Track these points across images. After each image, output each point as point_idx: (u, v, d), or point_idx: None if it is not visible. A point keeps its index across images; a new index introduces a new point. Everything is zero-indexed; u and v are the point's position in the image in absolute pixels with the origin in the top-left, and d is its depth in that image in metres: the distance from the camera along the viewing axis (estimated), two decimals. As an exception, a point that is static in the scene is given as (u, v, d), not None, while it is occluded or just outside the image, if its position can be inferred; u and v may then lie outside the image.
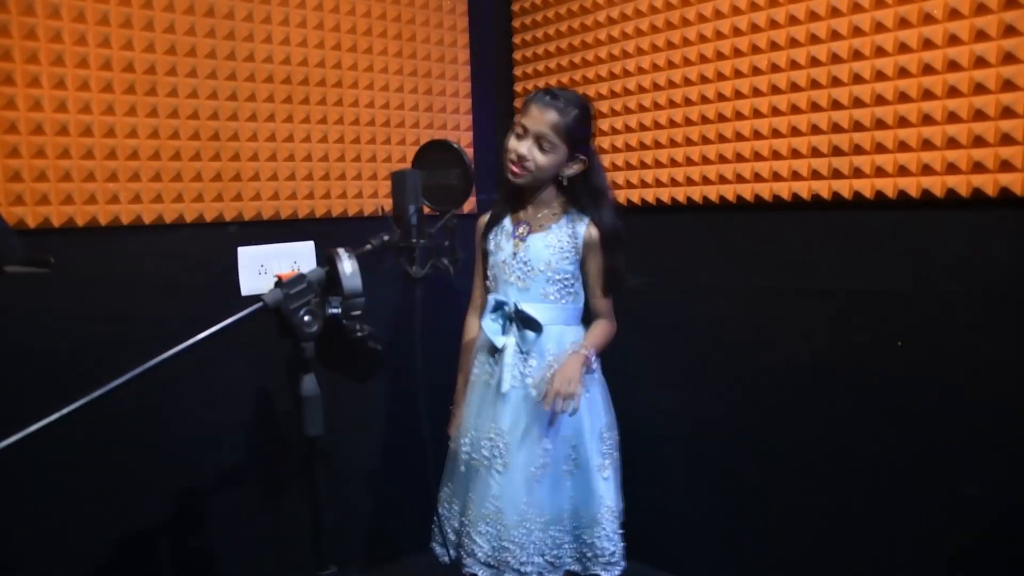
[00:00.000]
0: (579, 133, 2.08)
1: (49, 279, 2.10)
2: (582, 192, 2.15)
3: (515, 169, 2.09)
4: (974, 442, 2.12)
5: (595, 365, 2.12)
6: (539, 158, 2.06)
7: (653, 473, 2.39)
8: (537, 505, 2.09)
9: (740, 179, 2.53)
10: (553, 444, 2.12)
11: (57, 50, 2.18)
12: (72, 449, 2.22)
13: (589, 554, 2.13)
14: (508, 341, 2.13)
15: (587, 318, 2.24)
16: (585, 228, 2.13)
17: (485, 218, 2.29)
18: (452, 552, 2.22)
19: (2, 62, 2.10)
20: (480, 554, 2.09)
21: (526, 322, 2.11)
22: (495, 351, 2.16)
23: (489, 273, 2.25)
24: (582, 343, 2.13)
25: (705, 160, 2.62)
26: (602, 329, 2.19)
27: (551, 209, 2.18)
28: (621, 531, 2.17)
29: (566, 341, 2.15)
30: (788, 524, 2.52)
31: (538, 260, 2.13)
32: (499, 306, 2.14)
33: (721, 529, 2.72)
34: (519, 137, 2.08)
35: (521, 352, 2.14)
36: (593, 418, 2.17)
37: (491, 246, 2.24)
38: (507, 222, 2.23)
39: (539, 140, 2.05)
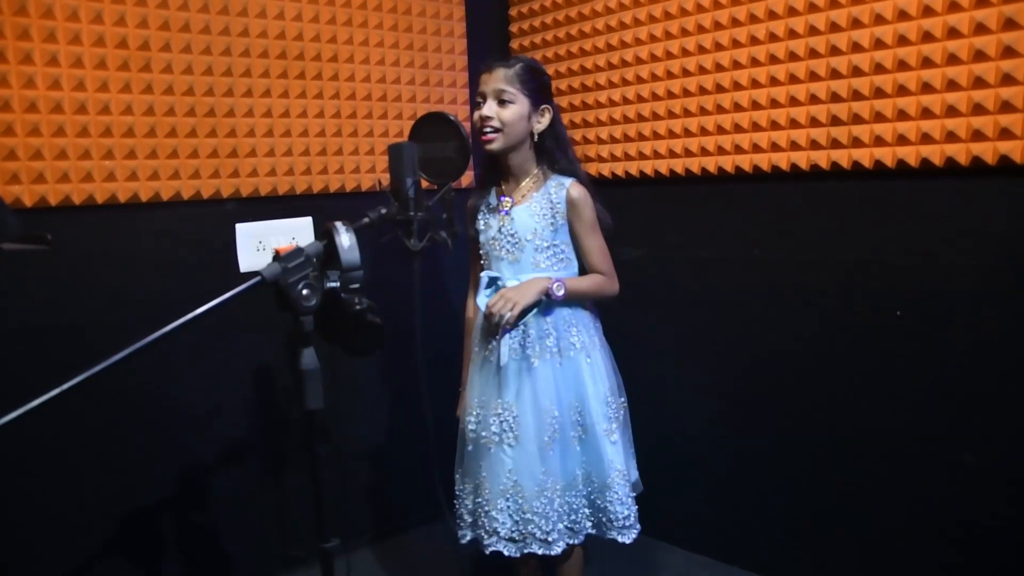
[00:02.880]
0: (534, 81, 2.13)
1: (47, 257, 2.10)
2: (552, 147, 2.18)
3: (486, 134, 2.11)
4: (975, 411, 2.13)
5: (557, 294, 2.08)
6: (503, 113, 2.09)
7: (658, 445, 2.40)
8: (553, 473, 2.11)
9: (739, 150, 2.52)
10: (560, 411, 2.13)
11: (49, 26, 2.16)
12: (72, 427, 2.23)
13: (604, 519, 2.15)
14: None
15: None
16: (565, 191, 2.14)
17: (471, 201, 2.31)
18: (469, 532, 2.23)
19: (-6, 39, 2.09)
20: (503, 531, 2.10)
21: None
22: None
23: (482, 252, 2.26)
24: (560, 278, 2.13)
25: (704, 131, 2.61)
26: (593, 279, 2.18)
27: (531, 179, 2.19)
28: (633, 495, 2.19)
29: (562, 308, 2.15)
30: (790, 493, 2.54)
31: (524, 230, 2.13)
32: (492, 282, 2.14)
33: (721, 500, 2.74)
34: (479, 106, 2.13)
35: (516, 325, 2.14)
36: (597, 383, 2.17)
37: (480, 226, 2.25)
38: (491, 200, 2.25)
39: (498, 97, 2.09)
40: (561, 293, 2.10)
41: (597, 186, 2.23)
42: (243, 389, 2.65)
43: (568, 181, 2.16)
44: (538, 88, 2.14)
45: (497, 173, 2.24)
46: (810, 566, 2.52)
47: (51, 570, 2.28)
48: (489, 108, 2.10)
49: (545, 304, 2.13)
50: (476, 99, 2.15)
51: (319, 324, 1.50)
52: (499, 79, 2.09)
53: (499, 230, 2.18)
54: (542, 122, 2.15)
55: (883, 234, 2.27)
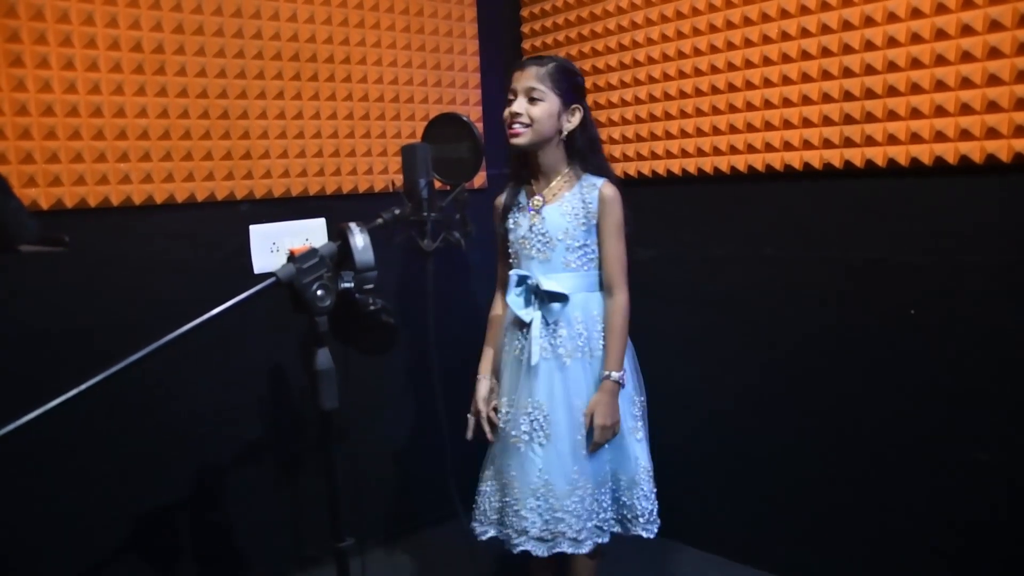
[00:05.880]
0: (566, 81, 2.13)
1: (63, 259, 2.11)
2: (584, 147, 2.18)
3: (513, 129, 2.11)
4: (987, 409, 2.12)
5: (624, 382, 2.14)
6: (533, 110, 2.09)
7: (671, 444, 2.40)
8: (585, 472, 2.12)
9: (751, 149, 2.52)
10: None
11: (65, 30, 2.18)
12: (88, 428, 2.25)
13: (629, 516, 2.17)
14: (534, 315, 2.13)
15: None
16: (598, 190, 2.14)
17: (500, 199, 2.31)
18: (491, 529, 2.24)
19: (10, 44, 2.10)
20: (533, 530, 2.10)
21: (550, 296, 2.12)
22: (523, 326, 2.17)
23: (511, 251, 2.26)
24: (605, 366, 2.12)
25: (716, 131, 2.61)
26: (618, 331, 2.15)
27: (562, 178, 2.18)
28: (656, 491, 2.20)
29: (592, 307, 2.15)
30: (803, 492, 2.53)
31: (556, 230, 2.13)
32: (522, 280, 2.14)
33: (733, 499, 2.74)
34: (510, 102, 2.13)
35: (548, 324, 2.15)
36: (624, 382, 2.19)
37: (510, 224, 2.25)
38: (522, 198, 2.24)
39: (528, 94, 2.10)
40: (624, 379, 2.14)
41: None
42: (258, 389, 2.66)
43: (600, 181, 2.15)
44: (570, 88, 2.14)
45: (526, 172, 2.24)
46: (824, 565, 2.51)
47: (67, 570, 2.30)
48: (519, 104, 2.10)
49: (574, 302, 2.15)
50: (507, 96, 2.15)
51: (333, 324, 1.51)
52: (531, 77, 2.10)
53: (530, 229, 2.18)
54: (572, 121, 2.14)
55: (897, 232, 2.26)
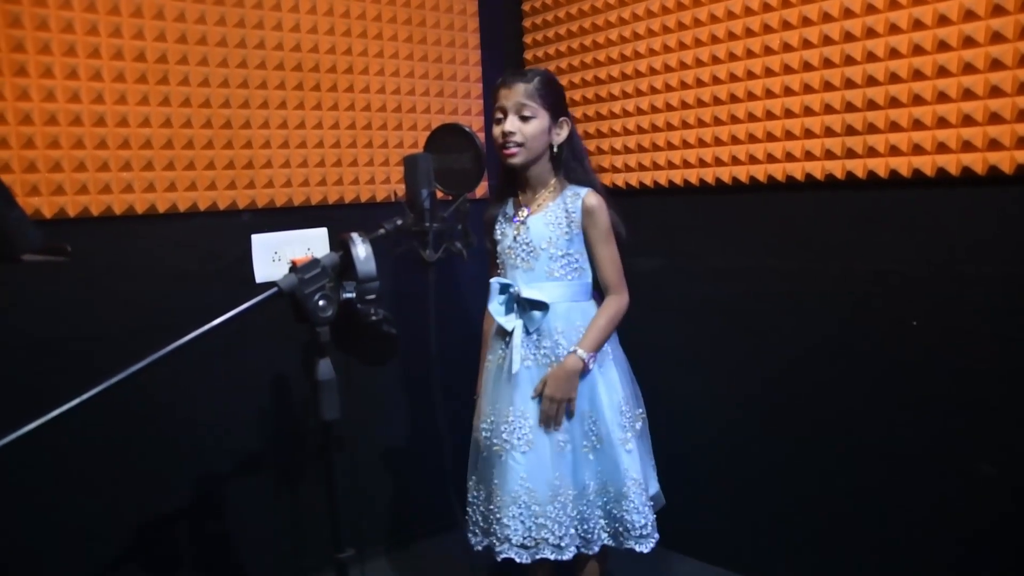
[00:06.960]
0: (553, 95, 2.16)
1: (66, 268, 2.12)
2: (569, 157, 2.20)
3: (508, 149, 2.13)
4: (992, 420, 2.11)
5: (592, 366, 2.13)
6: (525, 128, 2.11)
7: (672, 455, 2.39)
8: (566, 479, 2.12)
9: (754, 160, 2.52)
10: (572, 419, 2.14)
11: (69, 40, 2.19)
12: (89, 437, 2.24)
13: (621, 529, 2.14)
14: (516, 323, 2.15)
15: (602, 295, 2.24)
16: (581, 200, 2.15)
17: (489, 213, 2.33)
18: (483, 539, 2.24)
19: (15, 53, 2.11)
20: (515, 538, 2.10)
21: (532, 305, 2.13)
22: (506, 334, 2.18)
23: (498, 261, 2.28)
24: (579, 344, 2.12)
25: (718, 141, 2.61)
26: (604, 318, 2.16)
27: (548, 188, 2.21)
28: (651, 503, 2.18)
29: (574, 317, 2.16)
30: (806, 503, 2.52)
31: (539, 239, 2.15)
32: (504, 289, 2.16)
33: (735, 511, 2.73)
34: (500, 122, 2.15)
35: (528, 333, 2.15)
36: (611, 392, 2.17)
37: (497, 235, 2.28)
38: (509, 209, 2.27)
39: (519, 112, 2.11)
40: (593, 360, 2.13)
41: (613, 196, 2.24)
42: (259, 399, 2.66)
43: (584, 191, 2.17)
44: (557, 100, 2.16)
45: (514, 185, 2.26)
46: (827, 578, 2.50)
47: (68, 579, 2.30)
48: (511, 123, 2.11)
49: (558, 311, 2.15)
50: (496, 114, 2.16)
51: (335, 335, 1.51)
52: (519, 94, 2.11)
53: (514, 239, 2.20)
54: (561, 134, 2.17)
55: (899, 244, 2.25)
